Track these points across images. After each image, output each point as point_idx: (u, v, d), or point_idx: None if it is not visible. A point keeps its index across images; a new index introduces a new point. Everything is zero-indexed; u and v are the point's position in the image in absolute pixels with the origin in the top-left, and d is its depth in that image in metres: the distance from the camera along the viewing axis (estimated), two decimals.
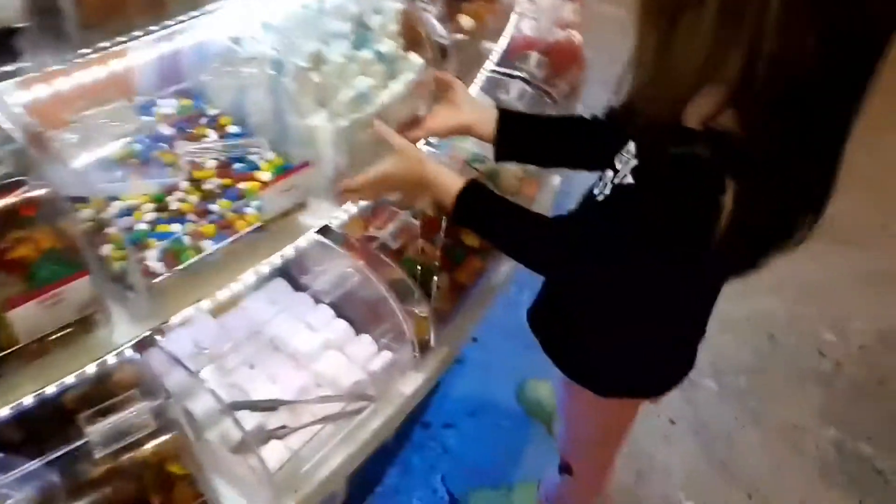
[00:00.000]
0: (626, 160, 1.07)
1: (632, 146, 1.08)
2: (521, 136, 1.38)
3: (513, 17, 2.06)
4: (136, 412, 1.02)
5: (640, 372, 1.32)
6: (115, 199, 1.19)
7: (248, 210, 1.22)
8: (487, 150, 1.76)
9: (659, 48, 0.91)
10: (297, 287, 1.50)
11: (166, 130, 1.30)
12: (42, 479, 1.07)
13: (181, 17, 1.15)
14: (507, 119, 1.36)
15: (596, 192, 1.16)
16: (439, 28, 1.65)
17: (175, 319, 1.19)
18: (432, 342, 1.41)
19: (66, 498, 1.09)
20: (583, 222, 1.15)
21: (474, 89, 1.88)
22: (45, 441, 1.13)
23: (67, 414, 1.17)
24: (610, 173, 1.12)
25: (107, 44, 1.04)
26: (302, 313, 1.44)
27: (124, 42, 1.08)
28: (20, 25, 0.93)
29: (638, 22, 0.93)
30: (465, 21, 1.76)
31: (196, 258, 1.14)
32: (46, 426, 1.15)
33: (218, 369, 1.26)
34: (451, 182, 1.21)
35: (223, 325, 1.43)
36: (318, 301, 1.40)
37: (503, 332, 2.28)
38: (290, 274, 1.50)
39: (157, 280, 1.10)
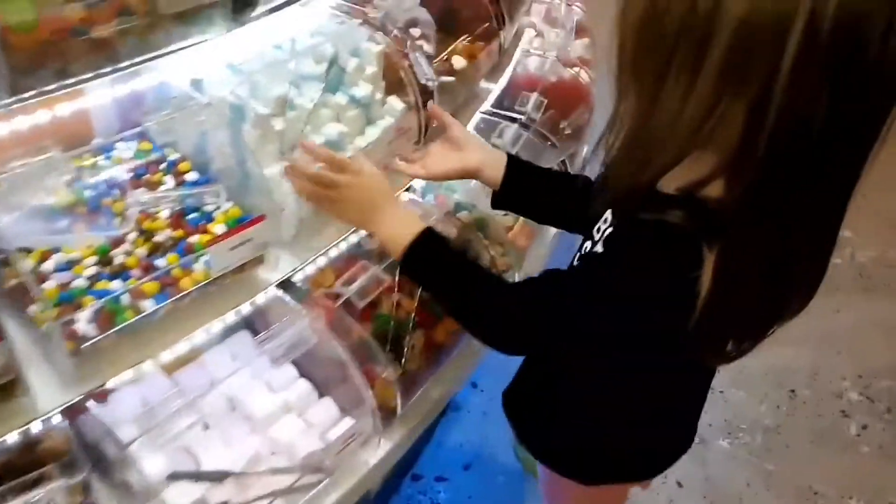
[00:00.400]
0: (603, 229, 0.97)
1: (609, 213, 0.97)
2: (526, 186, 1.26)
3: (517, 55, 1.97)
4: (46, 495, 0.93)
5: (625, 457, 1.20)
6: (58, 250, 1.12)
7: (197, 266, 1.14)
8: (475, 198, 1.68)
9: (642, 111, 0.79)
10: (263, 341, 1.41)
11: (122, 176, 1.23)
12: None
13: (136, 59, 1.08)
14: (516, 167, 1.25)
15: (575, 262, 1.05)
16: (426, 69, 1.56)
17: (112, 383, 1.11)
18: (399, 409, 1.30)
19: None
20: (544, 292, 1.02)
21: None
22: None
23: None
24: (588, 244, 1.02)
25: (32, 93, 0.97)
26: (263, 371, 1.35)
27: (69, 86, 1.02)
28: None
29: (618, 80, 0.81)
30: (458, 61, 1.67)
31: (133, 320, 1.06)
32: None
33: (164, 432, 1.17)
34: (407, 227, 1.07)
35: (179, 381, 1.35)
36: (280, 359, 1.31)
37: (506, 377, 2.17)
38: (255, 327, 1.41)
39: (86, 345, 1.02)
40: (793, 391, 2.57)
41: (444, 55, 1.68)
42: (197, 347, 1.37)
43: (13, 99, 0.97)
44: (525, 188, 1.26)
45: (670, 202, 0.81)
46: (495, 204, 1.29)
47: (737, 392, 2.53)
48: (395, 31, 1.62)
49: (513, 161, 1.25)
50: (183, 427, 1.23)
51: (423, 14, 1.66)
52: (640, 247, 0.86)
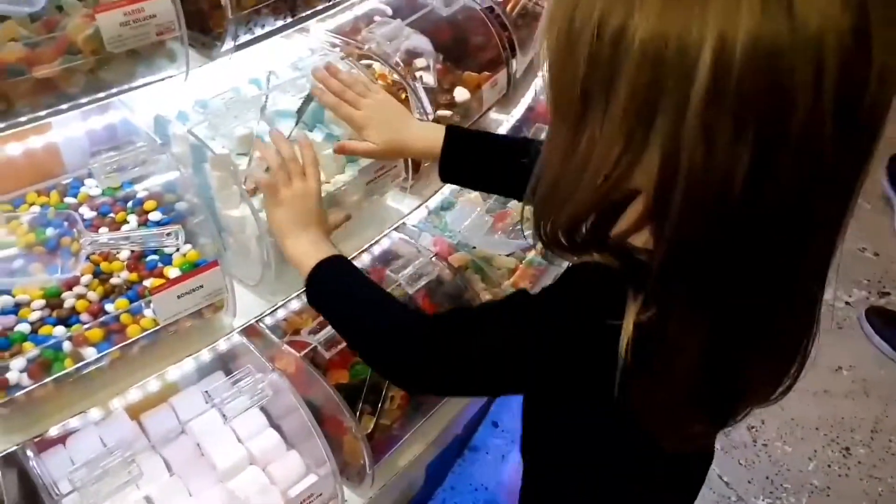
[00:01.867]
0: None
1: None
2: (470, 156, 1.16)
3: (535, 84, 1.87)
4: None
5: None
6: (8, 292, 1.09)
7: (147, 312, 1.09)
8: (474, 240, 1.59)
9: (562, 153, 0.70)
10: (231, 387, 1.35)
11: (87, 213, 1.20)
12: None
13: (90, 97, 1.05)
14: (456, 137, 1.15)
15: None
16: (424, 103, 1.48)
17: (54, 431, 1.07)
18: (367, 468, 1.22)
19: None
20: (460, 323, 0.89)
21: None
22: None
23: None
24: None
25: None
26: (232, 417, 1.29)
27: (16, 125, 0.99)
28: None
29: (550, 116, 0.73)
30: (460, 93, 1.59)
31: (70, 369, 1.02)
32: None
33: (117, 479, 1.12)
34: (318, 252, 1.01)
35: (146, 424, 1.30)
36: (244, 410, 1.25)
37: None
38: (229, 368, 1.36)
39: (18, 394, 0.98)
40: (847, 449, 2.33)
41: (447, 87, 1.59)
42: (171, 383, 1.33)
43: None
44: (471, 156, 1.16)
45: (600, 246, 0.73)
46: (444, 177, 1.19)
47: (782, 446, 2.32)
48: (398, 60, 1.56)
49: (453, 131, 1.16)
50: (148, 471, 1.18)
51: (425, 43, 1.58)
52: (561, 280, 0.78)
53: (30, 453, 1.08)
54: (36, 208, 1.21)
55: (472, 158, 1.16)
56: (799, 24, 0.55)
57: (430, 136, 1.15)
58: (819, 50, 0.55)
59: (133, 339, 1.07)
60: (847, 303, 2.80)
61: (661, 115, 0.60)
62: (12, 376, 0.98)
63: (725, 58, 0.56)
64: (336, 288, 0.99)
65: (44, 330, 1.05)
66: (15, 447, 1.02)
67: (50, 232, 1.15)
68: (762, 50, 0.55)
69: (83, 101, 1.05)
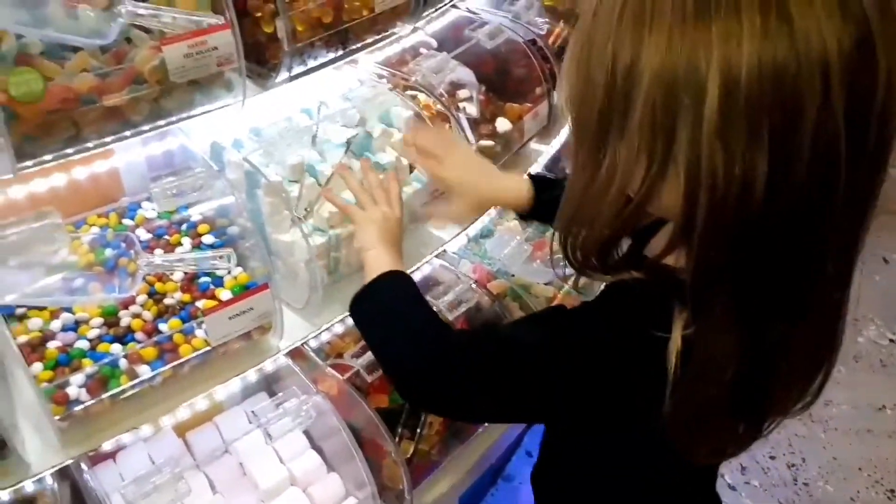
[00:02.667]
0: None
1: None
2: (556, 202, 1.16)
3: None
4: None
5: None
6: (69, 309, 1.14)
7: (199, 333, 1.12)
8: (513, 267, 1.60)
9: (584, 183, 0.72)
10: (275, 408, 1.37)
11: (144, 236, 1.25)
12: None
13: (151, 125, 1.10)
14: (541, 186, 1.18)
15: None
16: (468, 133, 1.51)
17: (107, 446, 1.10)
18: (406, 493, 1.23)
19: None
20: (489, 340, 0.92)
21: None
22: None
23: None
24: None
25: (49, 157, 1.00)
26: (275, 438, 1.31)
27: (70, 154, 1.04)
28: None
29: (573, 143, 0.75)
30: (502, 124, 1.61)
31: (125, 385, 1.05)
32: None
33: (166, 496, 1.15)
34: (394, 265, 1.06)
35: (191, 442, 1.33)
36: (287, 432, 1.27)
37: None
38: (273, 389, 1.39)
39: (76, 409, 1.01)
40: (892, 491, 2.27)
41: (489, 118, 1.62)
42: (217, 403, 1.36)
43: (28, 164, 0.99)
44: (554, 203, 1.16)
45: (635, 266, 0.75)
46: (525, 217, 1.22)
47: (824, 486, 2.26)
48: (442, 91, 1.60)
49: (536, 179, 1.20)
50: (193, 488, 1.21)
51: (468, 75, 1.62)
52: (600, 297, 0.80)
53: (84, 467, 1.11)
54: (96, 229, 1.26)
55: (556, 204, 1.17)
56: (800, 40, 0.57)
57: (515, 188, 1.19)
58: (823, 63, 0.58)
59: (185, 358, 1.10)
60: (891, 340, 2.74)
61: (679, 134, 0.62)
62: (72, 391, 1.02)
63: (732, 81, 0.58)
64: (385, 298, 1.02)
65: (101, 347, 1.09)
66: (70, 461, 1.05)
67: (109, 253, 1.20)
68: (767, 70, 0.58)
69: (146, 128, 1.09)
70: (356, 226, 1.16)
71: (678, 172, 0.63)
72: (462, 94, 1.67)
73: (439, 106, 1.54)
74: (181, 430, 1.34)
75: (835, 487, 2.26)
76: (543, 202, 1.17)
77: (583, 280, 0.90)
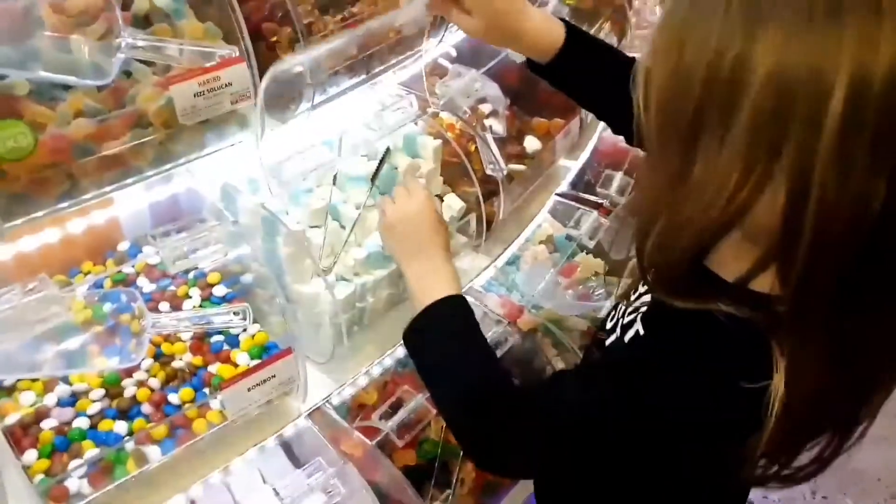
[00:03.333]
0: (639, 293, 0.83)
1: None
2: (588, 62, 1.00)
3: (599, 127, 1.76)
4: None
5: None
6: (66, 379, 1.01)
7: (214, 403, 1.00)
8: (544, 302, 1.49)
9: (669, 188, 0.65)
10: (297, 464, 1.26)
11: (146, 286, 1.12)
12: None
13: (155, 170, 0.96)
14: (577, 37, 0.98)
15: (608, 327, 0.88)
16: (496, 155, 1.39)
17: None
18: None
19: None
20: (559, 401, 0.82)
21: (542, 218, 1.61)
22: None
23: None
24: (622, 306, 0.87)
25: (39, 213, 0.86)
26: (293, 499, 1.20)
27: (64, 209, 0.90)
28: None
29: (651, 146, 0.67)
30: (531, 142, 1.49)
31: (133, 474, 0.93)
32: None
33: None
34: (435, 277, 0.94)
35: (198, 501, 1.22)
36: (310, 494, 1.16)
37: None
38: (290, 448, 1.27)
39: None
40: None
41: (515, 135, 1.50)
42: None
43: (16, 223, 0.86)
44: (585, 62, 1.00)
45: (721, 289, 0.68)
46: (539, 71, 1.02)
47: (843, 499, 2.21)
48: (466, 109, 1.46)
49: (571, 27, 0.98)
50: None
51: (494, 90, 1.49)
52: (690, 346, 0.71)
53: None
54: (92, 278, 1.12)
55: (588, 66, 1.01)
56: None
57: (544, 25, 0.96)
58: None
59: (199, 437, 0.98)
60: None
61: (789, 145, 0.56)
62: (72, 484, 0.90)
63: (863, 89, 0.52)
64: (437, 337, 0.92)
65: (103, 425, 0.97)
66: None
67: (107, 308, 1.06)
68: None
69: (150, 173, 0.96)
70: (386, 229, 1.03)
71: (780, 184, 0.57)
72: (486, 108, 1.54)
73: (462, 125, 1.42)
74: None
75: (854, 499, 2.21)
76: (571, 55, 0.97)
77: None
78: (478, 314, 1.39)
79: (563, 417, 0.79)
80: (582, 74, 1.01)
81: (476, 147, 1.42)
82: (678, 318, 0.70)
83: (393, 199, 1.05)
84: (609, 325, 0.89)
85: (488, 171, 1.36)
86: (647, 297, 0.80)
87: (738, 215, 0.61)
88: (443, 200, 1.29)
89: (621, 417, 0.74)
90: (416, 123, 1.25)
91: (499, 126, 1.49)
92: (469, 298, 1.41)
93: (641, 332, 0.78)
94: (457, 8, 0.95)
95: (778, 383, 0.64)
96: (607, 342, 0.88)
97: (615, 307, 0.93)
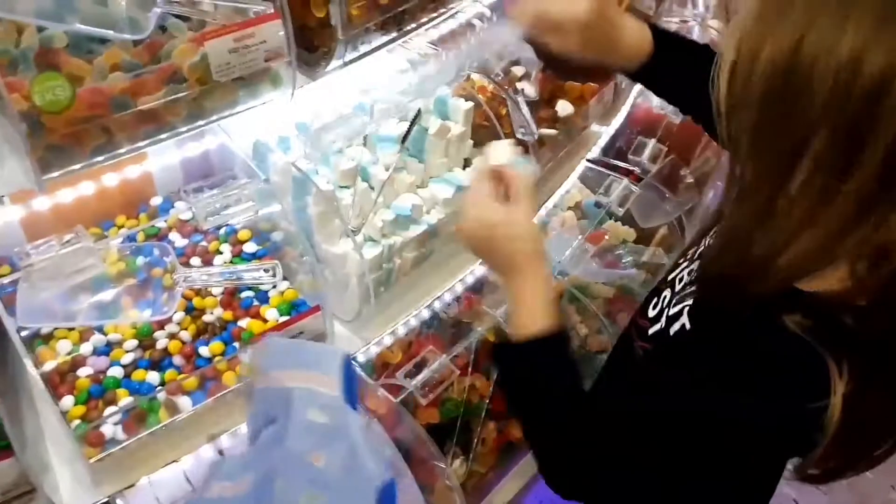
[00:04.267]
0: (685, 283, 0.80)
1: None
2: (673, 70, 0.95)
3: (633, 93, 1.73)
4: None
5: None
6: (100, 329, 1.03)
7: (243, 357, 1.02)
8: (571, 265, 1.48)
9: (768, 204, 0.61)
10: None
11: (178, 241, 1.13)
12: None
13: (189, 126, 0.96)
14: (665, 45, 0.94)
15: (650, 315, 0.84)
16: (527, 118, 1.37)
17: (144, 481, 1.01)
18: None
19: None
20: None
21: (572, 184, 1.59)
22: None
23: None
24: (667, 293, 0.84)
25: (76, 166, 0.87)
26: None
27: (100, 162, 0.91)
28: None
29: (741, 154, 0.63)
30: (563, 107, 1.47)
31: (165, 423, 0.96)
32: None
33: None
34: (539, 311, 0.82)
35: (228, 452, 1.25)
36: None
37: None
38: None
39: (113, 450, 0.92)
40: None
41: (547, 99, 1.48)
42: None
43: (53, 175, 0.87)
44: (671, 73, 0.94)
45: (793, 301, 0.64)
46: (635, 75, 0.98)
47: None
48: (498, 72, 1.44)
49: (657, 29, 0.94)
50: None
51: (527, 51, 1.45)
52: (750, 355, 0.67)
53: (119, 502, 1.03)
54: (125, 231, 1.14)
55: (679, 70, 0.95)
56: None
57: (638, 38, 0.92)
58: None
59: (228, 390, 1.00)
60: None
61: None
62: (107, 430, 0.93)
63: None
64: (534, 375, 0.84)
65: (136, 375, 0.99)
66: (105, 498, 0.97)
67: (140, 261, 1.08)
68: None
69: (183, 129, 0.96)
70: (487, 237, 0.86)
71: None
72: (518, 71, 1.52)
73: (494, 87, 1.40)
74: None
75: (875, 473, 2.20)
76: (662, 61, 0.93)
77: None
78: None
79: (629, 436, 0.75)
80: (674, 78, 0.96)
81: (507, 110, 1.40)
82: (733, 322, 0.67)
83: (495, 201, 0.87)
84: (652, 314, 0.86)
85: (519, 135, 1.35)
86: (693, 288, 0.78)
87: (859, 246, 0.59)
88: (471, 164, 1.28)
89: (687, 431, 0.70)
90: (447, 85, 1.24)
91: (531, 89, 1.47)
92: None
93: (688, 326, 0.76)
94: (553, 32, 0.92)
95: (836, 405, 0.62)
96: (650, 331, 0.86)
97: (658, 292, 0.90)
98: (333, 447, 0.49)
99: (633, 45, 0.93)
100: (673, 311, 0.80)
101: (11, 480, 0.84)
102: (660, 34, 0.94)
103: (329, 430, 0.48)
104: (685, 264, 0.89)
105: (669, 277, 0.91)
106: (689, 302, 0.78)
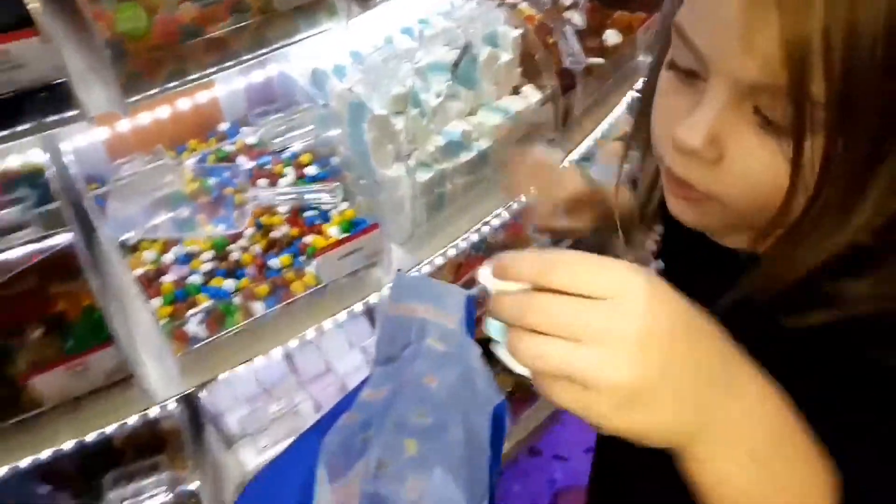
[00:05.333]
0: None
1: None
2: None
3: None
4: (154, 483, 0.99)
5: None
6: (179, 241, 1.14)
7: (309, 269, 1.12)
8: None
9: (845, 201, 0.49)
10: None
11: (245, 164, 1.23)
12: None
13: (252, 54, 1.05)
14: None
15: None
16: (575, 48, 1.40)
17: (224, 375, 1.14)
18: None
19: None
20: None
21: (619, 115, 1.62)
22: (96, 475, 1.15)
23: (117, 452, 1.19)
24: None
25: (153, 91, 0.97)
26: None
27: (188, 82, 1.01)
28: (62, 81, 0.88)
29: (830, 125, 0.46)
30: (611, 36, 1.48)
31: (242, 324, 1.07)
32: (97, 462, 1.17)
33: (275, 413, 1.20)
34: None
35: (296, 363, 1.38)
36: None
37: None
38: (374, 315, 1.40)
39: (196, 346, 1.04)
40: None
41: (595, 28, 1.50)
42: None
43: (134, 99, 0.97)
44: None
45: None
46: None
47: None
48: (546, 0, 1.47)
49: None
50: (298, 403, 1.25)
51: None
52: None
53: (201, 393, 1.16)
54: (197, 155, 1.24)
55: None
56: None
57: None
58: None
59: (297, 296, 1.10)
60: None
61: None
62: (191, 329, 1.04)
63: None
64: None
65: (214, 282, 1.10)
66: (190, 389, 1.09)
67: (213, 182, 1.19)
68: None
69: (246, 57, 1.04)
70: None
71: None
72: (566, 0, 1.54)
73: (541, 16, 1.43)
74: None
75: None
76: None
77: None
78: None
79: None
80: None
81: (554, 40, 1.43)
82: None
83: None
84: None
85: (566, 64, 1.38)
86: None
87: None
88: (520, 92, 1.32)
89: None
90: (497, 13, 1.28)
91: (579, 18, 1.49)
92: None
93: None
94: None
95: None
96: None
97: None
98: (447, 371, 0.55)
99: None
100: None
101: (113, 367, 0.97)
102: None
103: (446, 357, 0.53)
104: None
105: None
106: None
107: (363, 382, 0.57)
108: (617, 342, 0.39)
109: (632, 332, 0.39)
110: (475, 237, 1.38)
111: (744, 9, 0.45)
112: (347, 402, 0.56)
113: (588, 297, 0.40)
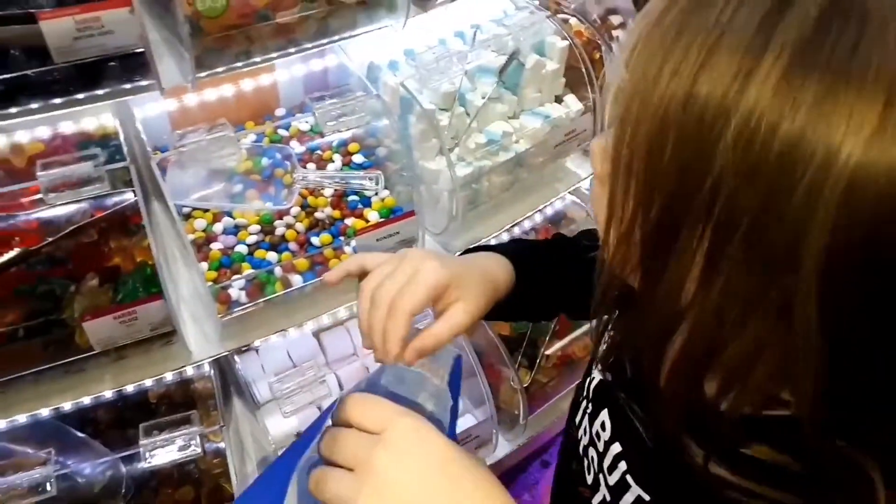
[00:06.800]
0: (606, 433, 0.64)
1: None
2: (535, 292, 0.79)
3: None
4: (186, 435, 1.05)
5: None
6: (229, 213, 1.21)
7: (347, 249, 1.18)
8: None
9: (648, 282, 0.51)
10: None
11: (297, 148, 1.30)
12: (113, 468, 1.16)
13: (314, 43, 1.12)
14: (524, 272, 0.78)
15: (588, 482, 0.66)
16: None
17: (258, 343, 1.20)
18: (521, 419, 1.28)
19: (130, 484, 1.18)
20: None
21: None
22: (129, 425, 1.22)
23: (150, 406, 1.25)
24: (593, 454, 0.66)
25: (221, 69, 1.04)
26: None
27: (252, 65, 1.08)
28: (139, 50, 0.95)
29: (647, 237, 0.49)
30: None
31: (280, 293, 1.13)
32: (131, 413, 1.24)
33: (301, 382, 1.25)
34: None
35: (325, 343, 1.43)
36: None
37: None
38: None
39: (236, 310, 1.10)
40: None
41: None
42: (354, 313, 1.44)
43: (203, 74, 1.04)
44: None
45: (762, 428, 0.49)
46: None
47: None
48: (596, 18, 1.53)
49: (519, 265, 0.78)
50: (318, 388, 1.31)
51: (625, 2, 1.53)
52: None
53: (235, 358, 1.22)
54: (253, 136, 1.32)
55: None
56: None
57: (504, 268, 0.76)
58: None
59: None
60: None
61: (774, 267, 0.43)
62: (234, 293, 1.11)
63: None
64: None
65: (258, 253, 1.17)
66: (227, 352, 1.15)
67: (265, 161, 1.26)
68: None
69: (309, 45, 1.11)
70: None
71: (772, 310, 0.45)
72: (615, 20, 1.59)
73: (590, 33, 1.49)
74: (317, 331, 1.44)
75: None
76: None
77: None
78: (580, 214, 1.50)
79: None
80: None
81: (601, 55, 1.49)
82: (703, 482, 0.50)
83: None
84: (589, 480, 0.66)
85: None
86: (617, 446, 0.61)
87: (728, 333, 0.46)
88: (562, 101, 1.38)
89: None
90: (547, 25, 1.34)
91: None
92: (575, 198, 1.52)
93: (646, 497, 0.57)
94: None
95: None
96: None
97: (579, 448, 0.68)
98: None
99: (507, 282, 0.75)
100: (612, 479, 0.61)
101: (160, 320, 1.03)
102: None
103: (431, 419, 0.56)
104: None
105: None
106: (622, 463, 0.60)
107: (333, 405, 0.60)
108: (368, 471, 0.49)
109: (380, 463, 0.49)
110: (506, 237, 1.43)
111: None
112: (317, 427, 0.60)
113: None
